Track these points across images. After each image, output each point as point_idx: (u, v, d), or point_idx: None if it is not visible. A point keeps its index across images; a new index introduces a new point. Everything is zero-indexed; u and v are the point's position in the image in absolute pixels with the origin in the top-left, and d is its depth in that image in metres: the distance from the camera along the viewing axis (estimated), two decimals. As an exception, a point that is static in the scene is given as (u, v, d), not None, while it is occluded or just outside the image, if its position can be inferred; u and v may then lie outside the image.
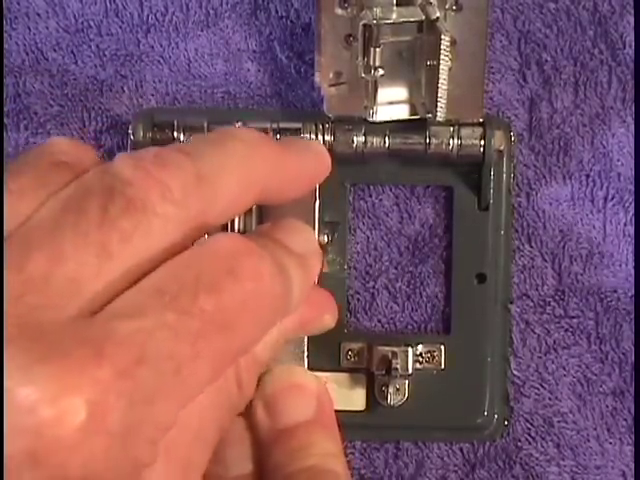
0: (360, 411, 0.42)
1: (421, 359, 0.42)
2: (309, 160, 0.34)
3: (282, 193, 0.33)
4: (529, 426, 0.43)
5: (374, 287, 0.44)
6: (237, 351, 0.27)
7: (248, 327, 0.27)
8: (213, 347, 0.26)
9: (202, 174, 0.28)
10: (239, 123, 0.41)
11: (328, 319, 0.35)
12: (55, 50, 0.44)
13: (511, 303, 0.43)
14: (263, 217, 0.39)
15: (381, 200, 0.44)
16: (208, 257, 0.27)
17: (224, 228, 0.37)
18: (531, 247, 0.44)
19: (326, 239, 0.42)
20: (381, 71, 0.39)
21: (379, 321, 0.44)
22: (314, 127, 0.41)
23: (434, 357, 0.42)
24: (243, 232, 0.38)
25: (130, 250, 0.26)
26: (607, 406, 0.43)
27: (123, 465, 0.24)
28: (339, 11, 0.40)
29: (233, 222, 0.39)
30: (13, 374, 0.22)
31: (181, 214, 0.27)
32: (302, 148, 0.34)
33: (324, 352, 0.42)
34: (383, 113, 0.41)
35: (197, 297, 0.25)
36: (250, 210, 0.38)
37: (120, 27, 0.44)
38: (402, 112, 0.41)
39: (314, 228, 0.40)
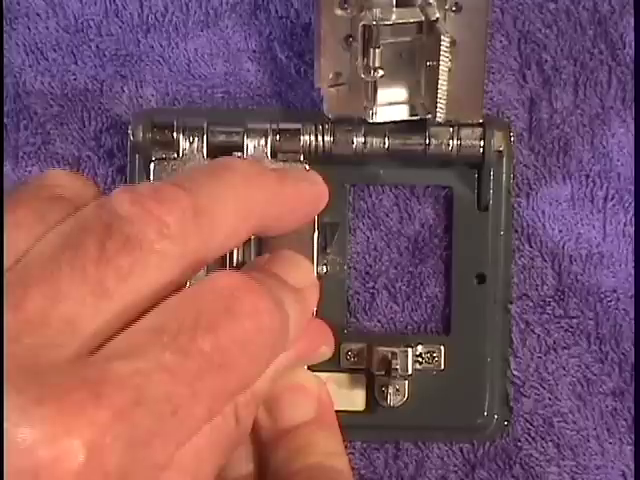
0: (360, 411, 0.42)
1: (421, 359, 0.42)
2: (306, 190, 0.34)
3: (280, 224, 0.33)
4: (529, 426, 0.43)
5: (374, 287, 0.44)
6: (235, 389, 0.27)
7: (246, 366, 0.27)
8: (210, 387, 0.26)
9: (199, 208, 0.28)
10: (238, 154, 0.40)
11: (325, 350, 0.35)
12: (55, 50, 0.44)
13: (511, 303, 0.43)
14: (262, 247, 0.39)
15: (381, 200, 0.44)
16: (207, 296, 0.26)
17: (222, 259, 0.37)
18: (531, 247, 0.44)
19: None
20: (381, 72, 0.39)
21: (379, 321, 0.44)
22: (314, 128, 0.41)
23: (434, 357, 0.42)
24: (242, 263, 0.38)
25: (128, 288, 0.26)
26: (607, 406, 0.43)
27: None
28: (339, 12, 0.40)
29: (232, 253, 0.38)
30: (11, 415, 0.22)
31: (179, 250, 0.27)
32: (299, 178, 0.34)
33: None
34: (383, 114, 0.41)
35: (196, 337, 0.25)
36: (249, 241, 0.38)
37: (120, 27, 0.44)
38: (402, 113, 0.41)
39: (313, 258, 0.40)
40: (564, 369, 0.43)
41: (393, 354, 0.41)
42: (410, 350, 0.41)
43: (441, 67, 0.38)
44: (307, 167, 0.40)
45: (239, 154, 0.41)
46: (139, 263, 0.26)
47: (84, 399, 0.23)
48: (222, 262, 0.37)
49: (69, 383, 0.23)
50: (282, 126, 0.41)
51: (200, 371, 0.25)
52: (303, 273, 0.32)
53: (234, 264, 0.38)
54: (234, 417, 0.30)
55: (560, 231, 0.44)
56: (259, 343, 0.27)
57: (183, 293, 0.27)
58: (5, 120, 0.44)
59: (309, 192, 0.34)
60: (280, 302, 0.28)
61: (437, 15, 0.39)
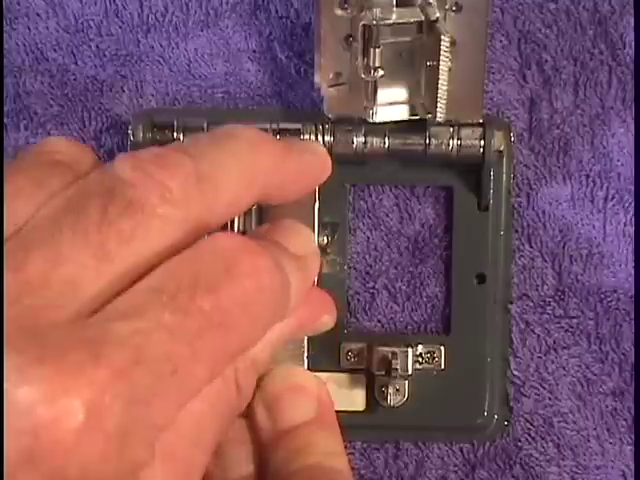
0: (360, 411, 0.42)
1: (421, 359, 0.42)
2: (310, 160, 0.34)
3: (283, 193, 0.33)
4: (529, 426, 0.43)
5: (374, 287, 0.44)
6: (235, 350, 0.27)
7: (246, 326, 0.27)
8: (211, 347, 0.26)
9: (202, 174, 0.28)
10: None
11: (327, 319, 0.35)
12: (55, 50, 0.44)
13: (511, 303, 0.43)
14: (263, 218, 0.39)
15: (381, 200, 0.44)
16: (207, 256, 0.26)
17: (224, 228, 0.37)
18: (531, 247, 0.44)
19: (325, 240, 0.42)
20: (381, 72, 0.39)
21: (379, 321, 0.44)
22: (314, 128, 0.41)
23: (434, 357, 0.42)
24: (243, 233, 0.38)
25: (129, 251, 0.26)
26: (607, 406, 0.43)
27: (120, 465, 0.24)
28: (339, 12, 0.40)
29: (233, 222, 0.39)
30: (10, 375, 0.22)
31: (181, 214, 0.27)
32: (303, 149, 0.34)
33: (324, 352, 0.42)
34: (383, 114, 0.41)
35: (195, 296, 0.25)
36: (250, 211, 0.38)
37: (120, 27, 0.44)
38: (402, 113, 0.41)
39: (313, 229, 0.40)
40: (564, 369, 0.43)
41: (393, 354, 0.41)
42: (410, 350, 0.41)
43: (441, 67, 0.38)
44: None
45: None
46: (141, 226, 0.26)
47: (83, 359, 0.23)
48: (223, 230, 0.37)
49: (68, 343, 0.23)
50: (282, 126, 0.41)
51: (200, 330, 0.25)
52: (304, 241, 0.32)
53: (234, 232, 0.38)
54: (234, 383, 0.30)
55: (560, 231, 0.44)
56: (259, 303, 0.27)
57: (183, 254, 0.26)
58: (5, 120, 0.44)
59: (312, 162, 0.34)
60: (280, 265, 0.28)
61: (437, 15, 0.39)
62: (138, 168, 0.27)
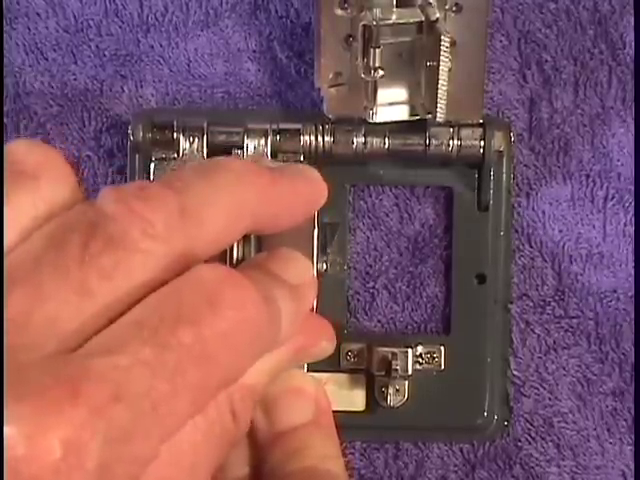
0: (360, 412, 0.42)
1: (421, 360, 0.42)
2: (303, 187, 0.33)
3: (275, 222, 0.32)
4: (529, 426, 0.43)
5: (374, 287, 0.44)
6: (218, 383, 0.27)
7: (229, 358, 0.27)
8: (192, 381, 0.25)
9: (186, 208, 0.27)
10: (238, 151, 0.40)
11: (326, 345, 0.34)
12: (55, 50, 0.44)
13: (511, 303, 0.43)
14: (261, 244, 0.38)
15: (381, 200, 0.44)
16: (188, 289, 0.26)
17: (222, 257, 0.37)
18: (531, 247, 0.44)
19: (325, 266, 0.42)
20: (381, 72, 0.39)
21: (379, 321, 0.44)
22: (314, 128, 0.41)
23: (434, 358, 0.42)
24: (241, 260, 0.38)
25: (111, 287, 0.26)
26: (607, 406, 0.43)
27: None
28: (339, 12, 0.40)
29: (232, 250, 0.38)
30: None
31: (164, 249, 0.27)
32: (295, 176, 0.33)
33: (324, 353, 0.42)
34: (383, 114, 0.41)
35: (176, 330, 0.25)
36: (248, 238, 0.38)
37: (120, 27, 0.44)
38: (402, 113, 0.41)
39: (312, 255, 0.40)
40: (564, 369, 0.43)
41: (393, 354, 0.41)
42: (410, 350, 0.41)
43: (441, 67, 0.38)
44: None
45: (239, 151, 0.41)
46: (123, 262, 0.26)
47: (61, 396, 0.23)
48: (221, 259, 0.37)
49: (47, 381, 0.24)
50: (282, 126, 0.41)
51: (180, 365, 0.25)
52: (300, 269, 0.31)
53: (233, 261, 0.38)
54: (230, 412, 0.29)
55: (560, 231, 0.44)
56: (243, 335, 0.27)
57: (165, 287, 0.26)
58: (5, 120, 0.44)
59: (306, 189, 0.34)
60: (270, 296, 0.28)
61: (437, 15, 0.39)
62: (121, 202, 0.27)
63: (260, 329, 0.27)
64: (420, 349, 0.42)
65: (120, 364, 0.24)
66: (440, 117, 0.40)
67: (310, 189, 0.33)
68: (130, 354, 0.24)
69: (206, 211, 0.28)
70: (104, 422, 0.24)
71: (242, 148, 0.41)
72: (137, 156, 0.43)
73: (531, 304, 0.44)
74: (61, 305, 0.25)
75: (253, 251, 0.38)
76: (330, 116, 0.41)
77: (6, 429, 0.23)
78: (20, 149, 0.28)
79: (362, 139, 0.41)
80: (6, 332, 0.24)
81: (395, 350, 0.41)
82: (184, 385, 0.25)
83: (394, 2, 0.39)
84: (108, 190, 0.27)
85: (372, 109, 0.41)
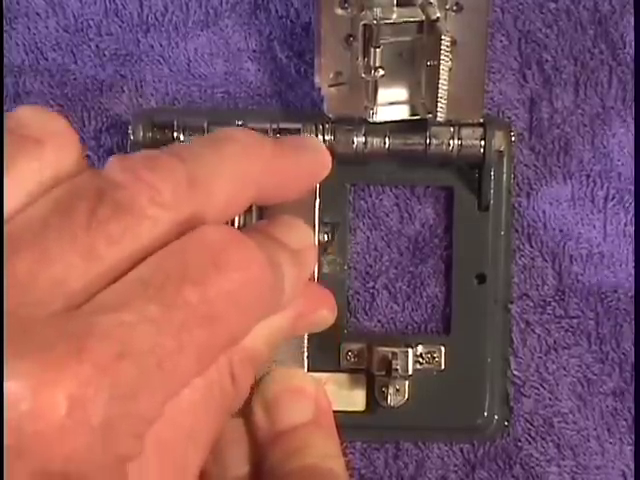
0: (360, 412, 0.42)
1: (421, 360, 0.42)
2: (307, 158, 0.34)
3: (279, 193, 0.32)
4: (529, 426, 0.43)
5: (374, 287, 0.44)
6: (223, 343, 0.27)
7: (234, 318, 0.27)
8: (197, 339, 0.25)
9: (194, 177, 0.28)
10: (240, 122, 0.41)
11: (326, 314, 0.34)
12: (55, 50, 0.44)
13: (511, 303, 0.43)
14: (263, 215, 0.39)
15: (381, 200, 0.44)
16: (194, 248, 0.26)
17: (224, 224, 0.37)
18: (531, 247, 0.44)
19: (325, 238, 0.42)
20: (381, 71, 0.39)
21: (379, 321, 0.44)
22: (314, 127, 0.41)
23: (434, 358, 0.42)
24: (242, 229, 0.38)
25: (118, 253, 0.26)
26: (607, 406, 0.43)
27: (106, 459, 0.24)
28: (339, 11, 0.40)
29: (233, 220, 0.39)
30: None
31: (171, 217, 0.27)
32: (299, 146, 0.34)
33: (324, 353, 0.42)
34: (383, 113, 0.41)
35: (181, 289, 0.25)
36: (250, 208, 0.38)
37: (120, 27, 0.44)
38: (402, 112, 0.41)
39: (314, 227, 0.40)
40: (564, 369, 0.43)
41: (393, 354, 0.41)
42: (410, 350, 0.41)
43: (441, 67, 0.38)
44: None
45: (240, 122, 0.41)
46: (130, 229, 0.26)
47: (67, 352, 0.23)
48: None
49: (52, 337, 0.23)
50: (282, 126, 0.41)
51: (186, 323, 0.25)
52: (301, 235, 0.31)
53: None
54: (229, 375, 0.29)
55: (561, 231, 0.44)
56: (248, 295, 0.27)
57: (170, 246, 0.26)
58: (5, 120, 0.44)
59: (310, 160, 0.34)
60: (273, 258, 0.28)
61: (438, 15, 0.39)
62: (128, 170, 0.27)
63: (264, 290, 0.27)
64: (420, 349, 0.42)
65: (125, 320, 0.24)
66: (440, 117, 0.40)
67: (313, 160, 0.34)
68: (135, 311, 0.24)
69: (213, 181, 0.28)
70: (109, 378, 0.23)
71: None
72: (137, 156, 0.43)
73: (531, 304, 0.44)
74: (68, 268, 0.25)
75: (255, 220, 0.39)
76: (330, 116, 0.41)
77: (8, 384, 0.23)
78: (25, 114, 0.28)
79: (362, 139, 0.41)
80: (11, 291, 0.24)
81: (395, 350, 0.41)
82: (189, 343, 0.25)
83: (394, 1, 0.39)
84: (116, 159, 0.27)
85: (372, 109, 0.41)
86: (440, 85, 0.39)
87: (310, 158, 0.34)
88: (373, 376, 0.42)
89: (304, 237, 0.32)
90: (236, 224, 0.39)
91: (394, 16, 0.39)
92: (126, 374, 0.24)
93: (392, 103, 0.41)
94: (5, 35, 0.44)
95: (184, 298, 0.25)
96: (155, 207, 0.26)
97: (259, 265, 0.27)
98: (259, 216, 0.39)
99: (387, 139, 0.41)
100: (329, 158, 0.34)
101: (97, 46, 0.44)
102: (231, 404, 0.30)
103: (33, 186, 0.27)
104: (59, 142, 0.28)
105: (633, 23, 0.43)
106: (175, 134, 0.41)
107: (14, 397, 0.23)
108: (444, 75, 0.39)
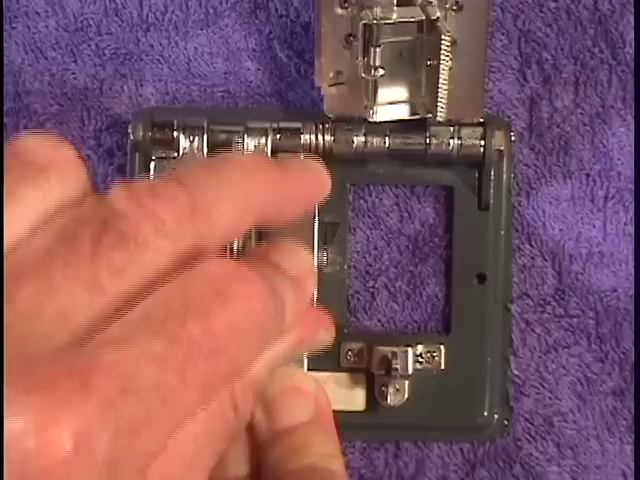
0: (360, 411, 0.42)
1: (421, 359, 0.42)
2: (307, 180, 0.34)
3: (281, 215, 0.32)
4: (529, 426, 0.43)
5: (374, 287, 0.44)
6: (227, 376, 0.27)
7: (238, 351, 0.27)
8: (201, 373, 0.26)
9: (197, 204, 0.28)
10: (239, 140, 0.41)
11: (324, 335, 0.34)
12: (55, 49, 0.44)
13: (511, 303, 0.43)
14: (262, 235, 0.39)
15: (381, 200, 0.44)
16: (197, 282, 0.26)
17: (222, 248, 0.37)
18: (531, 247, 0.44)
19: (324, 260, 0.42)
20: (381, 71, 0.39)
21: (379, 321, 0.44)
22: (314, 127, 0.41)
23: (434, 357, 0.42)
24: (241, 252, 0.38)
25: (122, 284, 0.26)
26: (607, 406, 0.43)
27: None
28: (339, 11, 0.40)
29: (232, 242, 0.38)
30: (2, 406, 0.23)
31: (175, 246, 0.27)
32: (300, 168, 0.34)
33: (324, 352, 0.42)
34: (383, 113, 0.41)
35: (185, 323, 0.25)
36: (249, 230, 0.38)
37: (120, 26, 0.44)
38: (402, 112, 0.41)
39: (313, 247, 0.40)
40: (564, 368, 0.43)
41: (393, 354, 0.41)
42: (410, 350, 0.41)
43: (442, 66, 0.38)
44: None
45: (239, 140, 0.41)
46: (134, 259, 0.26)
47: (71, 388, 0.23)
48: (221, 250, 0.37)
49: (56, 372, 0.23)
50: (282, 125, 0.41)
51: (189, 357, 0.25)
52: (300, 261, 0.32)
53: (234, 252, 0.38)
54: (231, 405, 0.30)
55: (560, 230, 0.44)
56: (250, 328, 0.27)
57: (173, 281, 0.26)
58: (5, 119, 0.44)
59: (310, 181, 0.34)
60: (274, 288, 0.28)
61: (438, 14, 0.39)
62: (132, 199, 0.27)
63: (267, 320, 0.27)
64: (420, 348, 0.42)
65: (129, 356, 0.24)
66: (440, 116, 0.40)
67: (314, 181, 0.34)
68: (139, 346, 0.24)
69: (216, 208, 0.28)
70: (114, 415, 0.24)
71: (242, 147, 0.41)
72: (137, 155, 0.43)
73: (531, 303, 0.44)
74: (72, 299, 0.25)
75: (253, 242, 0.39)
76: (330, 115, 0.41)
77: (12, 420, 0.23)
78: (31, 143, 0.28)
79: (362, 138, 0.41)
80: (14, 323, 0.24)
81: (395, 349, 0.41)
82: (193, 378, 0.25)
83: (394, 1, 0.39)
84: (119, 187, 0.27)
85: (372, 108, 0.41)
86: (440, 85, 0.39)
87: (311, 180, 0.34)
88: (373, 375, 0.42)
89: (304, 263, 0.32)
90: (235, 245, 0.39)
91: (394, 16, 0.39)
92: (130, 410, 0.24)
93: (392, 103, 0.41)
94: (5, 35, 0.44)
95: (187, 332, 0.25)
96: (158, 237, 0.26)
97: (261, 296, 0.27)
98: (258, 237, 0.39)
99: (387, 139, 0.41)
100: (329, 180, 0.34)
101: (97, 45, 0.44)
102: (232, 431, 0.30)
103: (37, 215, 0.27)
104: (64, 171, 0.28)
105: (633, 22, 0.43)
106: (175, 133, 0.41)
107: (18, 433, 0.23)
108: (444, 75, 0.39)
